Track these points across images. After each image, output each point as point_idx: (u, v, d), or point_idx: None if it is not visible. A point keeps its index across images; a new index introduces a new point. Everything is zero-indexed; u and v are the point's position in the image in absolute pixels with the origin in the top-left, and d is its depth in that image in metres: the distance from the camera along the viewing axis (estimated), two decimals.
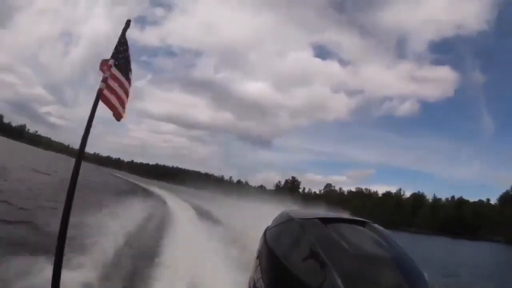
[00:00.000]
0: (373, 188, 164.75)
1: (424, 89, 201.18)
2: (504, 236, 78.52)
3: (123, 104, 2.89)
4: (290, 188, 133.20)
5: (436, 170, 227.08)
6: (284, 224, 0.86)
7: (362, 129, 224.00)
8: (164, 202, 22.21)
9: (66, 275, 3.17)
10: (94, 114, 2.74)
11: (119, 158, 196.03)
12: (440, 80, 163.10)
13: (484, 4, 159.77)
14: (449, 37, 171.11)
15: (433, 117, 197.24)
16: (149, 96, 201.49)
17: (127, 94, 2.89)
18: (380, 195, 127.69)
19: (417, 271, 0.78)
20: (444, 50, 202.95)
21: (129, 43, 2.98)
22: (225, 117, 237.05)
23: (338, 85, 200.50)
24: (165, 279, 6.64)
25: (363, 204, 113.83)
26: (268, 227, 0.92)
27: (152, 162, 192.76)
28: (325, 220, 0.82)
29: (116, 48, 2.83)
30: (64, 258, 2.75)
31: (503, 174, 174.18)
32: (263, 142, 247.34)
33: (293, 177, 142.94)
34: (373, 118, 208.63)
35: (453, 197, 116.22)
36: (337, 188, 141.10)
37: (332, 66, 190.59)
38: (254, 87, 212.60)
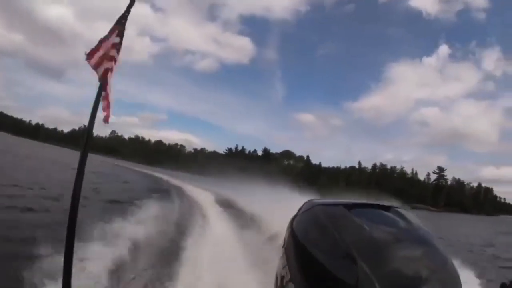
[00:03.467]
0: (164, 133, 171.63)
1: (224, 51, 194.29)
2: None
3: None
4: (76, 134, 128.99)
5: (224, 123, 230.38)
6: (308, 211, 0.80)
7: (162, 74, 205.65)
8: None
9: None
10: (99, 98, 2.08)
11: None
12: (240, 48, 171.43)
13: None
14: (257, 15, 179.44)
15: (229, 76, 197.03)
16: None
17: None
18: (153, 142, 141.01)
19: (444, 255, 0.71)
20: (249, 24, 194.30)
21: None
22: (15, 39, 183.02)
23: (145, 29, 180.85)
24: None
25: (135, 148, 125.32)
26: (294, 216, 0.85)
27: None
28: (349, 206, 0.77)
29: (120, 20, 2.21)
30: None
31: (281, 136, 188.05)
32: (55, 72, 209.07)
33: (85, 125, 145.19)
34: (173, 67, 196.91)
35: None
36: (121, 133, 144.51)
37: (143, 9, 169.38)
38: (57, 12, 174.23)
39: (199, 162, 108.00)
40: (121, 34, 2.22)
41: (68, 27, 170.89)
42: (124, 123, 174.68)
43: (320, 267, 0.68)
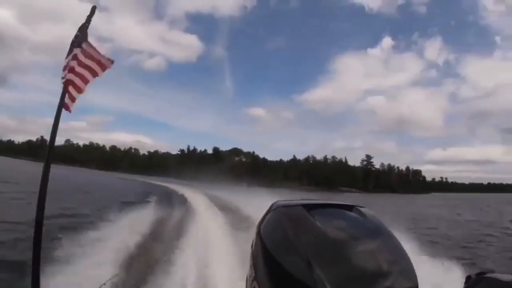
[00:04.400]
0: (114, 135, 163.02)
1: (172, 50, 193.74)
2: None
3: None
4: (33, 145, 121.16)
5: (176, 122, 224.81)
6: (273, 213, 0.79)
7: (108, 75, 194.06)
8: None
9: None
10: (61, 108, 2.20)
11: None
12: (188, 46, 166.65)
13: None
14: (204, 12, 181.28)
15: (179, 75, 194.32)
16: None
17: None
18: (108, 147, 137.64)
19: (399, 247, 0.70)
20: (197, 22, 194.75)
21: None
22: None
23: (89, 29, 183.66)
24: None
25: (92, 156, 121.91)
26: (261, 217, 0.83)
27: None
28: (309, 207, 0.74)
29: (83, 34, 2.33)
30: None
31: (233, 131, 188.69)
32: None
33: (42, 137, 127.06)
34: (120, 66, 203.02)
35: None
36: (75, 141, 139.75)
37: (86, 8, 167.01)
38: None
39: (155, 165, 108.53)
40: (80, 45, 2.26)
41: (9, 30, 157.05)
42: (72, 128, 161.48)
43: (281, 269, 0.67)
